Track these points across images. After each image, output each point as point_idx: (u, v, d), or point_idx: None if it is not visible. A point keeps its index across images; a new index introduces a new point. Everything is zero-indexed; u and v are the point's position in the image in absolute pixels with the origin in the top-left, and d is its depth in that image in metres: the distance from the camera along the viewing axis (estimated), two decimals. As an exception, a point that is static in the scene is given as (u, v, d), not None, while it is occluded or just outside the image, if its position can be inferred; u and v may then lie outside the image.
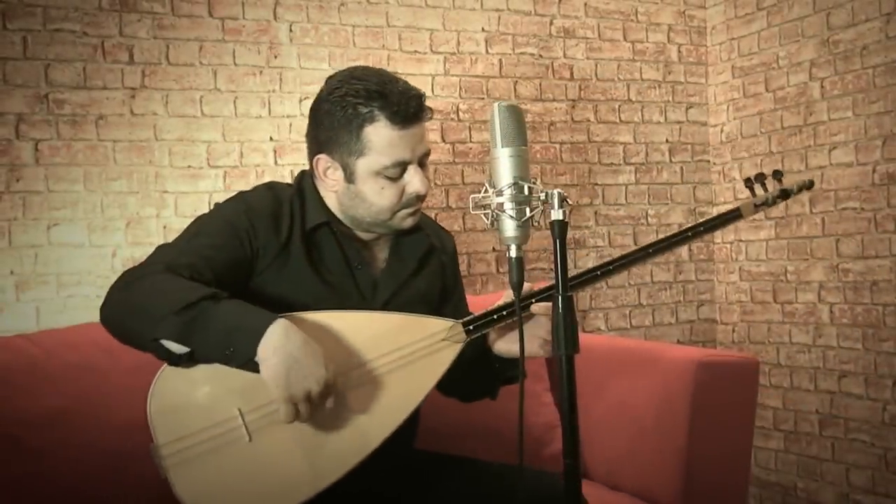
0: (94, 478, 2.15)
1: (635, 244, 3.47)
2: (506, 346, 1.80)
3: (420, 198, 1.81)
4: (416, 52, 3.09)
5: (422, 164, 1.80)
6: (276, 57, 2.87)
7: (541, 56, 3.31)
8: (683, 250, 3.57)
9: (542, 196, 1.39)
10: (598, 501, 2.29)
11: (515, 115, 1.41)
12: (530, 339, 1.74)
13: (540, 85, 3.31)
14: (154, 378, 1.64)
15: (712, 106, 3.63)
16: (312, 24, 2.93)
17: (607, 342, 2.72)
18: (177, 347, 1.58)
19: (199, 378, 1.63)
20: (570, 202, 1.38)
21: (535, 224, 1.41)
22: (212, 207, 1.88)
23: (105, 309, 1.66)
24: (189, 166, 2.75)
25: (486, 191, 1.41)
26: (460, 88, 3.16)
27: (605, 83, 3.42)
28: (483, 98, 3.19)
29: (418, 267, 1.92)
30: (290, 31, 2.90)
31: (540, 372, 2.61)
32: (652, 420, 2.35)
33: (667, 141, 3.55)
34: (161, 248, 1.75)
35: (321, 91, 1.82)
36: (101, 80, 2.65)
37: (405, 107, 1.73)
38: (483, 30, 3.21)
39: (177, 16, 2.74)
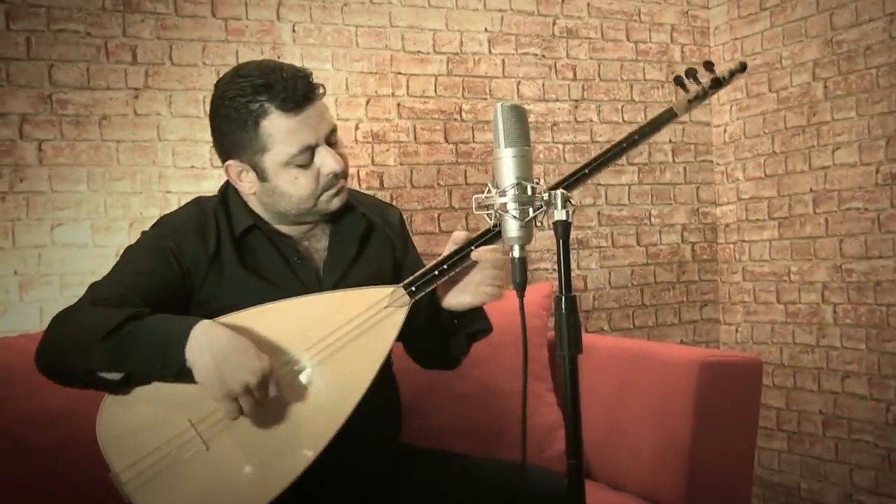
0: (97, 478, 2.15)
1: (638, 245, 3.47)
2: (455, 299, 1.72)
3: (338, 176, 1.77)
4: (419, 52, 3.09)
5: (330, 142, 1.76)
6: (279, 57, 2.87)
7: (544, 56, 3.31)
8: (686, 251, 3.57)
9: (546, 196, 1.38)
10: (602, 502, 2.29)
11: (518, 116, 1.41)
12: (476, 288, 1.69)
13: (543, 85, 3.31)
14: (98, 409, 1.62)
15: (715, 106, 3.62)
16: (315, 24, 2.93)
17: (610, 343, 2.71)
18: (113, 375, 1.58)
19: (143, 399, 1.62)
20: (573, 202, 1.38)
21: (538, 224, 1.41)
22: (140, 236, 1.86)
23: (38, 355, 1.65)
24: (192, 166, 2.75)
25: (489, 191, 1.41)
26: (463, 89, 3.16)
27: (608, 83, 3.42)
28: (486, 98, 3.19)
29: (360, 248, 1.88)
30: (294, 31, 2.90)
31: (543, 372, 2.61)
32: (655, 421, 2.35)
33: (670, 141, 3.55)
34: (91, 286, 1.75)
35: (213, 96, 1.79)
36: (104, 80, 2.65)
37: (293, 91, 1.70)
38: (486, 30, 3.21)
39: (180, 16, 2.74)
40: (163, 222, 1.85)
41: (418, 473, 1.88)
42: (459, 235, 1.68)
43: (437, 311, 1.77)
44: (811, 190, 3.25)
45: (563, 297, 1.34)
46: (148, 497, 1.58)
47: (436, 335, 1.83)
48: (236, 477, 1.60)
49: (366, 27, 3.00)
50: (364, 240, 1.89)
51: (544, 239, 3.17)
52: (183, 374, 1.55)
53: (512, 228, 1.40)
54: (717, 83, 1.82)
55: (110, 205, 2.65)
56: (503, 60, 3.24)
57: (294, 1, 2.89)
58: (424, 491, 1.85)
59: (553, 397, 2.61)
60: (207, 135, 2.74)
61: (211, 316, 1.63)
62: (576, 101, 3.36)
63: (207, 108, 2.73)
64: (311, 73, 1.76)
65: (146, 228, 1.86)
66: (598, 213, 3.41)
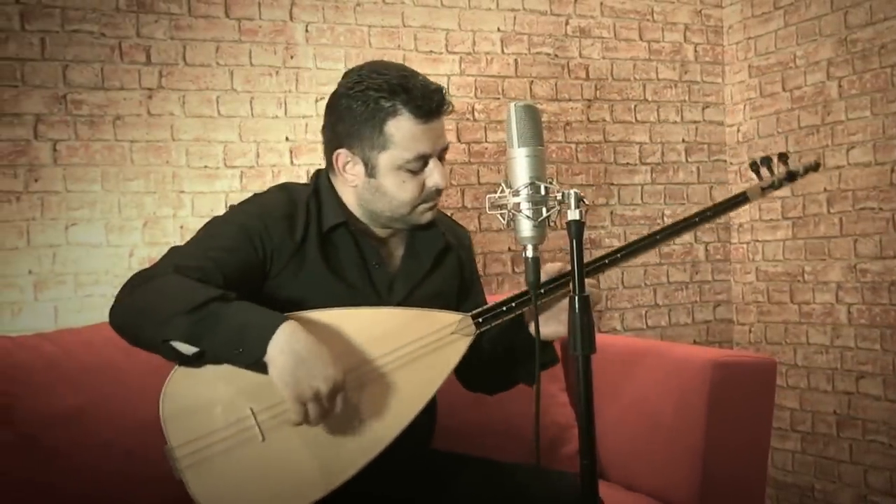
0: (110, 477, 2.16)
1: (651, 244, 3.46)
2: (544, 326, 1.75)
3: (439, 192, 1.80)
4: (431, 52, 3.09)
5: (441, 158, 1.80)
6: (292, 57, 2.88)
7: (556, 56, 3.31)
8: (699, 250, 3.56)
9: (559, 196, 1.38)
10: (614, 501, 2.29)
11: (532, 115, 1.41)
12: (561, 322, 1.73)
13: (556, 85, 3.31)
14: (165, 381, 1.64)
15: (729, 105, 3.61)
16: (328, 24, 2.93)
17: (623, 342, 2.71)
18: (186, 348, 1.58)
19: (211, 379, 1.63)
20: (586, 202, 1.38)
21: (551, 224, 1.41)
22: (226, 209, 1.87)
23: (114, 312, 1.66)
24: (206, 166, 2.76)
25: (502, 191, 1.41)
26: (476, 88, 3.16)
27: (621, 83, 3.42)
28: (499, 98, 3.19)
29: (434, 264, 1.91)
30: (307, 31, 2.90)
31: (556, 373, 2.61)
32: (668, 421, 2.34)
33: (683, 141, 3.54)
34: (172, 251, 1.74)
35: (339, 86, 1.81)
36: (118, 80, 2.66)
37: (428, 101, 1.73)
38: (499, 30, 3.21)
39: (193, 17, 2.75)
40: (254, 202, 1.84)
41: (440, 476, 1.90)
42: (552, 268, 1.73)
43: (518, 334, 1.81)
44: (825, 189, 3.24)
45: (577, 297, 1.34)
46: (199, 477, 1.60)
47: (504, 359, 1.86)
48: (286, 473, 1.62)
49: (378, 27, 3.01)
50: (439, 258, 1.92)
51: (557, 239, 3.16)
52: (257, 365, 1.56)
53: (525, 228, 1.40)
54: (791, 176, 1.89)
55: (124, 204, 2.66)
56: (516, 60, 3.23)
57: (307, 1, 2.90)
58: (445, 493, 1.87)
59: (566, 397, 2.61)
60: (221, 135, 2.78)
61: (280, 304, 1.65)
62: (588, 100, 3.36)
63: (221, 108, 2.79)
64: (446, 89, 1.80)
65: (240, 202, 1.85)
66: (612, 213, 3.40)
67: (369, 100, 1.73)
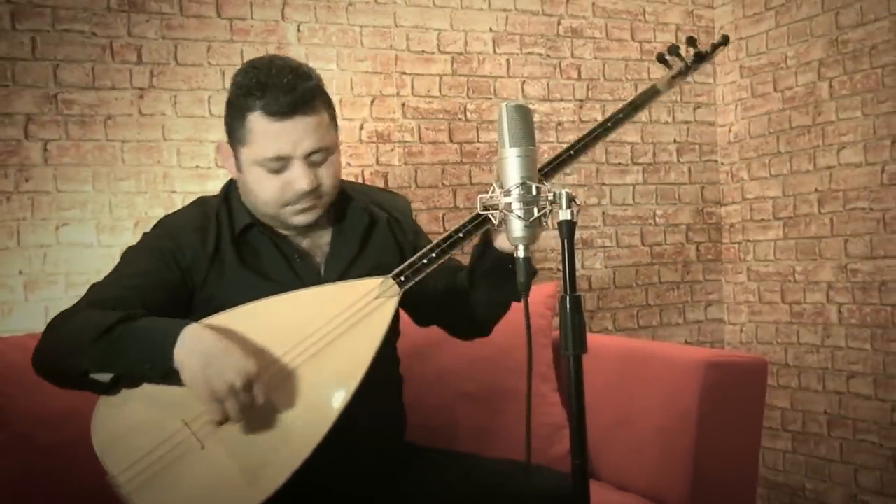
0: (102, 478, 2.15)
1: (643, 244, 3.47)
2: (503, 242, 1.65)
3: (307, 194, 1.74)
4: (423, 52, 3.09)
5: (313, 160, 1.74)
6: (284, 57, 2.87)
7: (548, 56, 3.31)
8: (691, 250, 3.57)
9: (551, 196, 1.38)
10: (606, 501, 2.29)
11: (523, 115, 1.41)
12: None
13: (547, 85, 3.31)
14: (92, 414, 1.63)
15: (720, 106, 3.62)
16: (320, 24, 2.93)
17: (615, 342, 2.71)
18: (103, 376, 1.59)
19: (136, 401, 1.62)
20: (577, 202, 1.38)
21: (543, 224, 1.41)
22: (141, 237, 1.87)
23: (35, 356, 1.68)
24: (197, 166, 2.76)
25: (493, 191, 1.41)
26: (468, 88, 3.16)
27: (612, 83, 3.42)
28: (490, 98, 3.19)
29: (362, 244, 1.87)
30: (299, 31, 2.90)
31: (547, 373, 2.61)
32: (659, 421, 2.35)
33: (675, 141, 3.54)
34: (91, 287, 1.76)
35: None
36: (109, 80, 2.65)
37: (279, 98, 1.68)
38: (491, 30, 3.21)
39: (185, 16, 2.75)
40: (163, 223, 1.86)
41: (422, 473, 1.87)
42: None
43: (486, 256, 1.72)
44: (816, 190, 3.25)
45: (568, 297, 1.34)
46: (146, 498, 1.58)
47: (487, 288, 1.77)
48: (232, 475, 1.60)
49: (370, 27, 3.01)
50: (366, 235, 1.89)
51: (549, 238, 3.17)
52: (169, 377, 1.55)
53: (517, 228, 1.40)
54: (700, 57, 1.82)
55: (115, 204, 2.65)
56: (508, 60, 3.24)
57: (299, 1, 2.90)
58: (428, 491, 1.85)
59: (557, 397, 2.61)
60: (212, 135, 2.78)
61: (213, 313, 1.64)
62: (580, 100, 3.36)
63: (212, 108, 2.78)
64: (316, 87, 1.74)
65: (150, 228, 1.87)
66: (603, 213, 3.40)
67: (238, 94, 1.73)
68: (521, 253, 1.41)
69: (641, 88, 3.44)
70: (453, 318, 1.91)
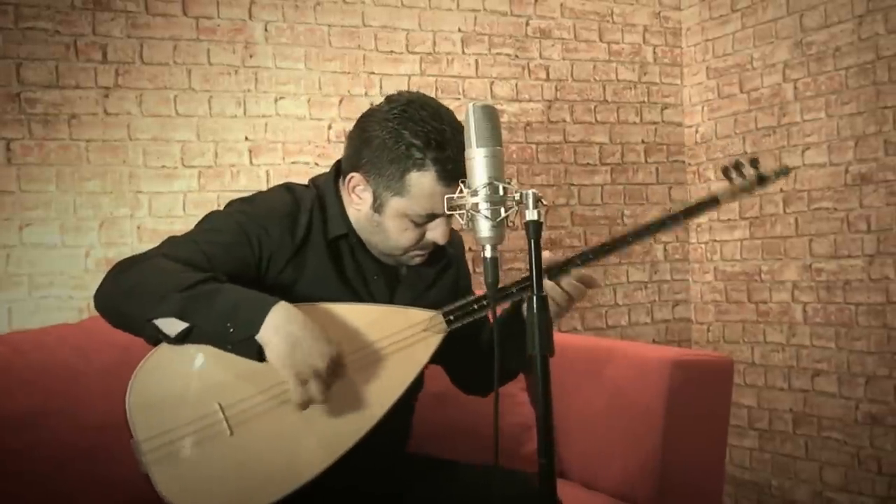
0: (70, 477, 2.13)
1: (611, 244, 3.48)
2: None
3: (435, 244, 1.79)
4: (392, 52, 3.09)
5: (450, 215, 1.76)
6: (251, 56, 2.86)
7: (517, 56, 3.32)
8: (658, 250, 3.59)
9: (517, 196, 1.39)
10: (574, 501, 2.30)
11: (490, 116, 1.41)
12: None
13: (516, 85, 3.32)
14: (132, 374, 1.62)
15: (687, 107, 3.65)
16: (288, 23, 2.92)
17: (583, 342, 2.72)
18: (173, 327, 1.56)
19: (179, 374, 1.63)
20: (545, 202, 1.38)
21: (511, 224, 1.41)
22: (227, 204, 1.84)
23: (101, 291, 1.64)
24: (163, 166, 2.73)
25: (460, 191, 1.41)
26: (436, 89, 3.16)
27: (580, 84, 3.44)
28: (459, 98, 3.20)
29: (435, 279, 1.91)
30: (266, 30, 2.89)
31: (516, 372, 2.62)
32: (627, 420, 2.36)
33: (642, 141, 3.57)
34: (167, 240, 1.73)
35: (379, 109, 1.75)
36: (73, 79, 2.62)
37: (458, 165, 1.58)
38: (459, 30, 3.21)
39: (151, 15, 2.72)
40: (256, 201, 1.81)
41: (405, 477, 1.90)
42: (547, 256, 1.73)
43: (515, 322, 1.78)
44: (781, 190, 3.28)
45: (535, 297, 1.34)
46: (164, 472, 1.58)
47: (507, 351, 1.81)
48: (252, 468, 1.61)
49: (338, 27, 3.00)
50: (441, 272, 1.92)
51: (517, 239, 3.17)
52: (243, 344, 1.56)
53: (484, 228, 1.40)
54: (762, 180, 1.91)
55: (80, 205, 2.62)
56: (476, 60, 3.24)
57: (266, 0, 2.88)
58: (407, 495, 1.87)
59: (525, 396, 2.62)
60: (178, 134, 2.76)
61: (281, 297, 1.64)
62: (549, 101, 3.37)
63: (178, 108, 2.76)
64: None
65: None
66: (572, 213, 3.42)
67: (402, 141, 1.69)
68: (488, 253, 1.41)
69: (610, 90, 3.48)
70: (465, 368, 1.95)
